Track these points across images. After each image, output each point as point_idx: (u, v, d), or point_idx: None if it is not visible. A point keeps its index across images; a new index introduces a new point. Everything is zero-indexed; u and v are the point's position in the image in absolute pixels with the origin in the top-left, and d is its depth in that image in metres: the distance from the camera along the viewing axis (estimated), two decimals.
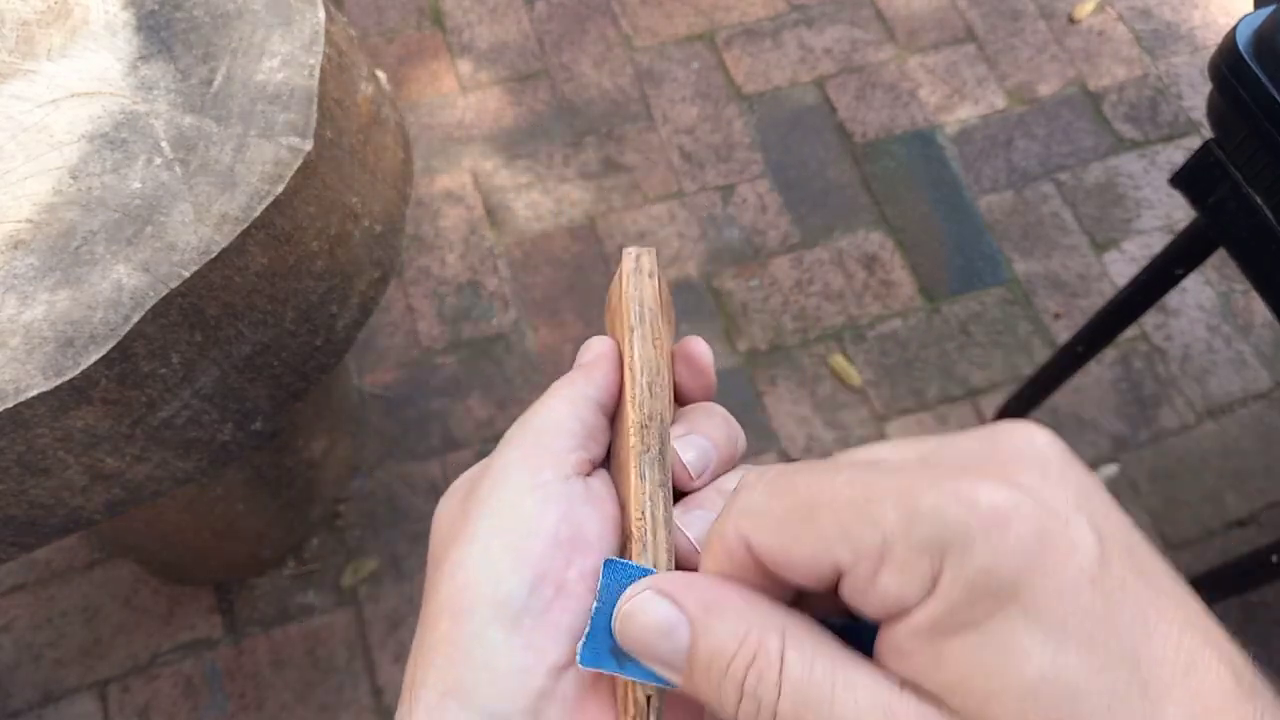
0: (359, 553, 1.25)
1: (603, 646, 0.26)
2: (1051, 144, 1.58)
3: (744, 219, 1.50)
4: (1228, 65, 0.72)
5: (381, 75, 0.82)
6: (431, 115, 1.57)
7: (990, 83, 1.63)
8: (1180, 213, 1.52)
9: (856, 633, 0.23)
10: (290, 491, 1.15)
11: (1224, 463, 1.35)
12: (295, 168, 0.64)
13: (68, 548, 1.23)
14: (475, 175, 1.52)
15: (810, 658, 0.22)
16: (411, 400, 1.35)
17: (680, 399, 0.33)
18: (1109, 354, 1.41)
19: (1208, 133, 0.81)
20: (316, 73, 0.67)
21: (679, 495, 0.30)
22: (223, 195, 0.63)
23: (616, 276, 0.33)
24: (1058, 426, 1.36)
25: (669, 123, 1.58)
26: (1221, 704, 0.20)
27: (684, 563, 0.29)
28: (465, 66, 1.62)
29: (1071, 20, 1.70)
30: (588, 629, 0.26)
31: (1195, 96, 1.63)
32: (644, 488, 0.28)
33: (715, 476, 0.31)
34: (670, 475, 0.29)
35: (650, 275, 0.32)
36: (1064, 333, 1.42)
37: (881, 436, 1.35)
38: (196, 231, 0.61)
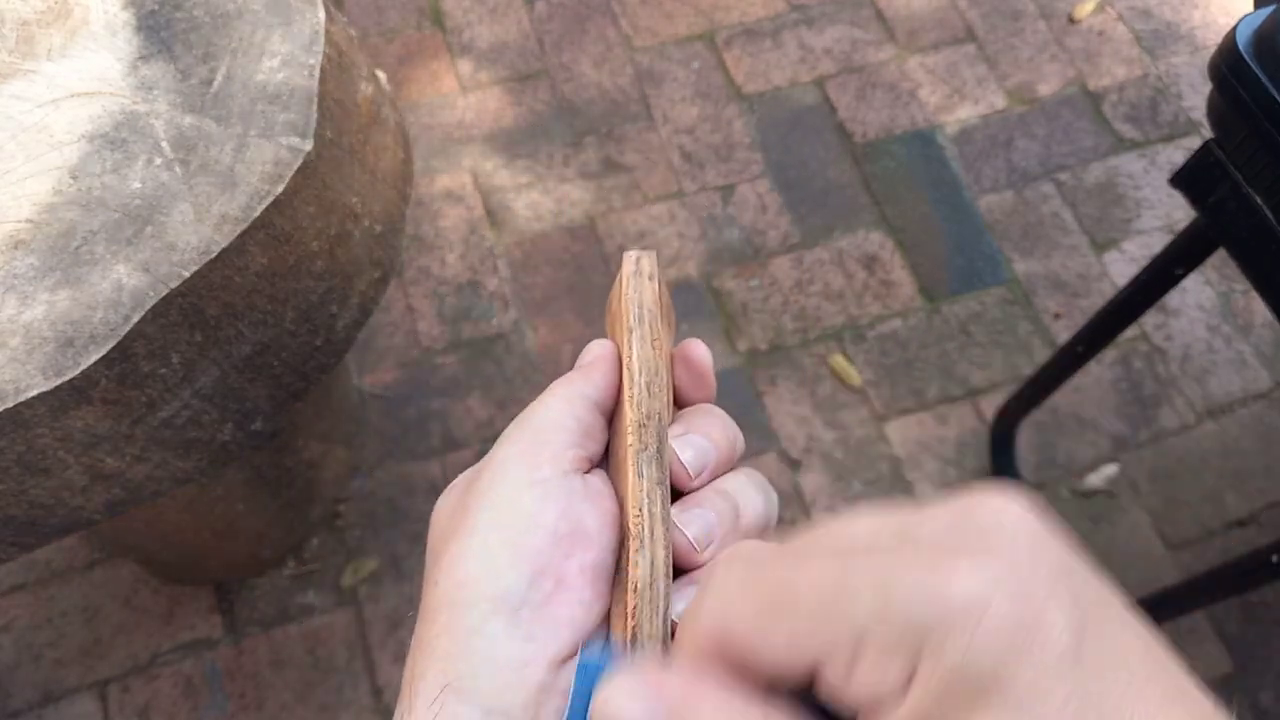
0: (359, 553, 1.25)
1: None
2: (1051, 144, 1.58)
3: (744, 219, 1.50)
4: (1228, 65, 0.72)
5: (381, 75, 0.82)
6: (431, 115, 1.57)
7: (990, 83, 1.63)
8: (1180, 213, 1.52)
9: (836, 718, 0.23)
10: (290, 491, 1.15)
11: (1224, 463, 1.35)
12: (295, 168, 0.64)
13: (68, 548, 1.23)
14: (475, 175, 1.52)
15: None
16: (411, 400, 1.35)
17: (680, 402, 0.33)
18: (1109, 354, 1.41)
19: (1208, 133, 0.81)
20: (316, 73, 0.67)
21: (677, 494, 0.30)
22: (223, 195, 0.63)
23: (617, 280, 0.33)
24: (1058, 426, 1.37)
25: (669, 123, 1.58)
26: None
27: (681, 561, 0.29)
28: (465, 66, 1.62)
29: (1071, 20, 1.70)
30: (566, 715, 0.26)
31: (1195, 96, 1.63)
32: (641, 485, 0.28)
33: (714, 476, 0.31)
34: (668, 474, 0.29)
35: (650, 278, 0.32)
36: (1064, 333, 1.42)
37: (881, 436, 1.36)
38: (196, 231, 0.61)
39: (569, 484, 0.29)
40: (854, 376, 1.39)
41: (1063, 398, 1.36)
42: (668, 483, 0.29)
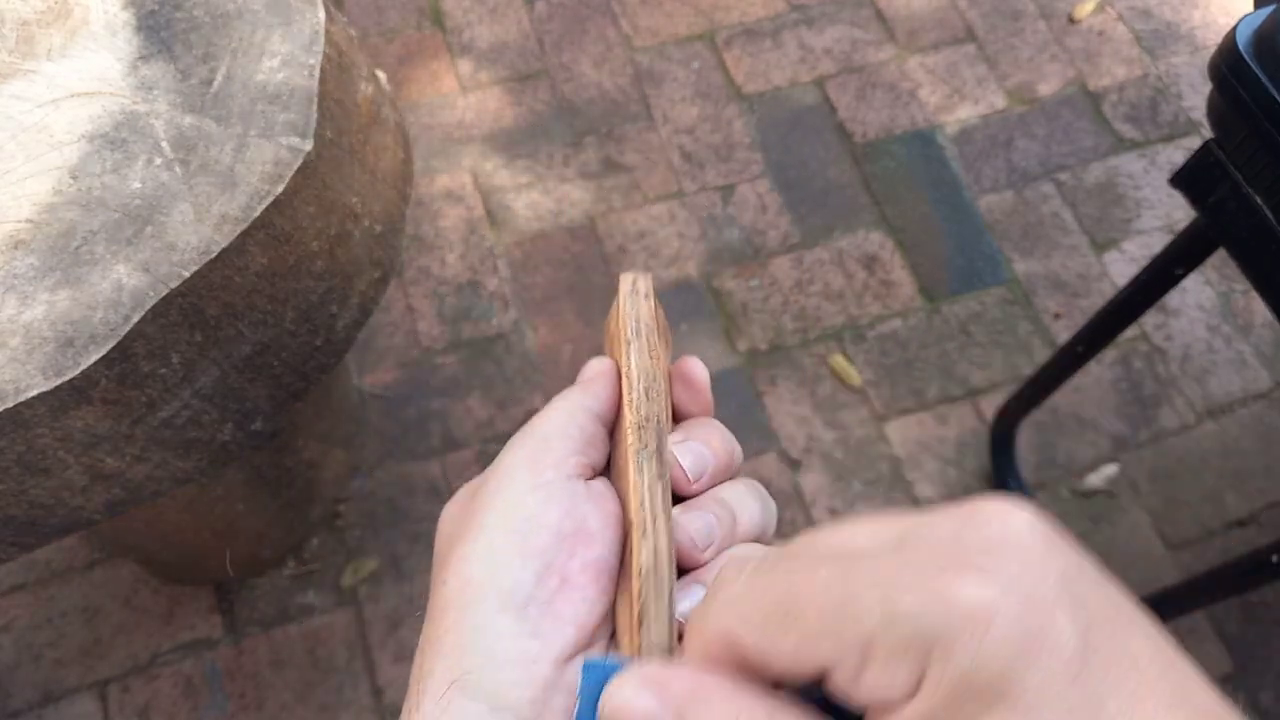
0: (359, 553, 1.25)
1: None
2: (1051, 144, 1.58)
3: (744, 219, 1.50)
4: (1228, 65, 0.72)
5: (381, 75, 0.82)
6: (431, 115, 1.57)
7: (990, 83, 1.63)
8: (1180, 213, 1.52)
9: (843, 711, 0.23)
10: (290, 491, 1.15)
11: (1224, 463, 1.35)
12: (295, 168, 0.64)
13: (68, 548, 1.23)
14: (475, 175, 1.52)
15: None
16: (411, 400, 1.35)
17: (678, 418, 0.34)
18: (1109, 354, 1.41)
19: (1208, 133, 0.81)
20: (316, 73, 0.67)
21: (677, 500, 0.30)
22: (223, 195, 0.63)
23: (615, 301, 0.35)
24: (1058, 426, 1.37)
25: (669, 123, 1.58)
26: None
27: (683, 559, 0.29)
28: (465, 66, 1.62)
29: (1071, 20, 1.70)
30: (575, 717, 0.26)
31: (1195, 96, 1.63)
32: (642, 480, 0.29)
33: (713, 483, 0.31)
34: (668, 474, 0.30)
35: (646, 297, 0.34)
36: (1064, 333, 1.42)
37: (881, 437, 1.36)
38: (196, 231, 0.61)
39: (572, 487, 0.29)
40: (854, 376, 1.39)
41: (1063, 398, 1.36)
42: (668, 481, 0.30)
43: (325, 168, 0.68)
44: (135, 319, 0.58)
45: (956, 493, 1.32)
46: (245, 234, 0.62)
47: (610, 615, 0.29)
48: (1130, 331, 1.39)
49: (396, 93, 1.57)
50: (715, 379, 0.36)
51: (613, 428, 0.33)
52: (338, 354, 0.74)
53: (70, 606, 1.21)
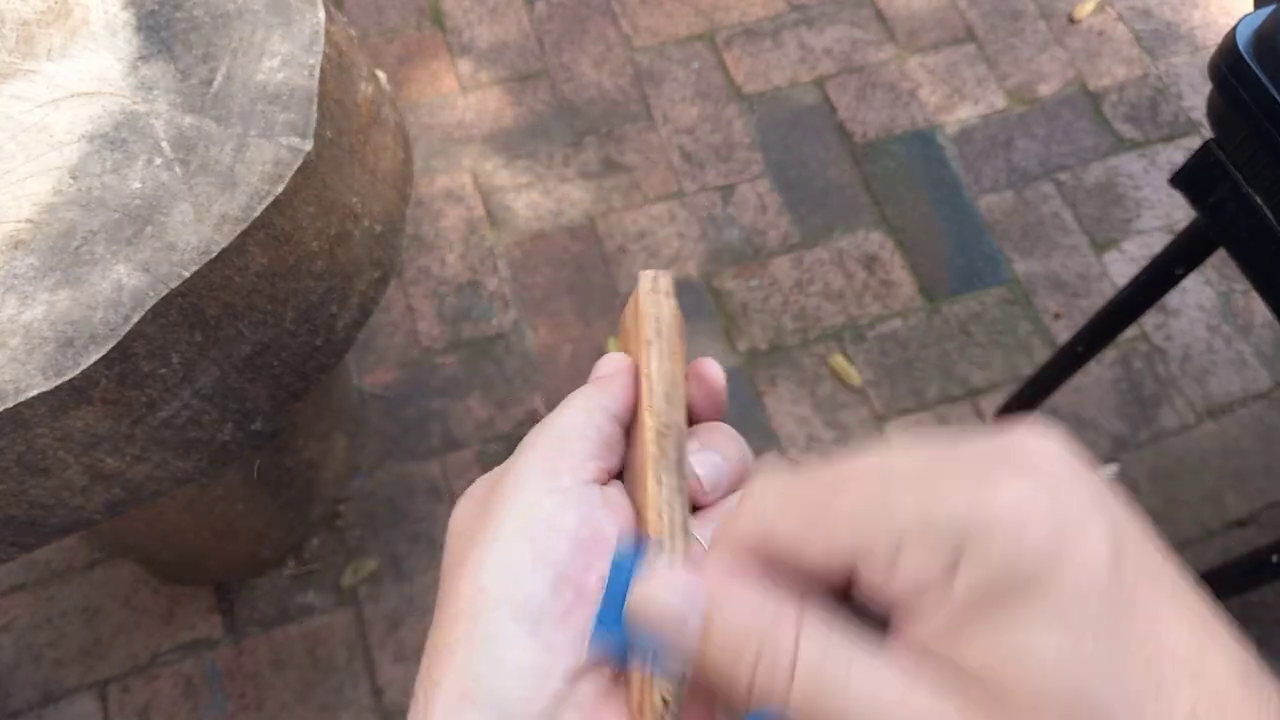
0: (359, 553, 1.25)
1: (614, 635, 0.26)
2: (1051, 144, 1.58)
3: (744, 219, 1.50)
4: (1228, 65, 0.72)
5: (381, 75, 0.82)
6: (431, 115, 1.57)
7: (990, 83, 1.63)
8: (1180, 213, 1.52)
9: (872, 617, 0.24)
10: (290, 491, 1.15)
11: (1224, 463, 1.35)
12: (295, 168, 0.64)
13: (68, 548, 1.23)
14: (475, 175, 1.52)
15: (824, 643, 0.22)
16: (411, 400, 1.35)
17: (691, 419, 0.34)
18: (1109, 354, 1.41)
19: (1208, 133, 0.81)
20: (316, 73, 0.67)
21: (692, 509, 0.30)
22: (223, 195, 0.63)
23: (632, 297, 0.33)
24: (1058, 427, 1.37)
25: (669, 123, 1.58)
26: (1231, 702, 0.20)
27: None
28: (465, 66, 1.62)
29: (1071, 20, 1.70)
30: (598, 615, 0.26)
31: (1195, 96, 1.63)
32: (662, 493, 0.28)
33: (728, 493, 0.31)
34: (687, 484, 0.29)
35: (667, 295, 0.32)
36: (1064, 333, 1.42)
37: (881, 437, 1.35)
38: (196, 231, 0.61)
39: (589, 493, 0.28)
40: (854, 376, 1.39)
41: (1063, 398, 1.36)
42: (687, 492, 0.29)
43: (325, 168, 0.68)
44: (135, 319, 0.58)
45: None
46: (245, 234, 0.62)
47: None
48: (1130, 331, 1.39)
49: (396, 93, 1.57)
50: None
51: (628, 428, 0.32)
52: (338, 354, 0.74)
53: (70, 606, 1.21)
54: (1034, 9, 1.70)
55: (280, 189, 0.63)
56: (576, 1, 1.68)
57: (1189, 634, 0.21)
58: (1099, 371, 1.40)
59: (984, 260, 1.49)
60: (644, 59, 1.63)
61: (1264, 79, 0.70)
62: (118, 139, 0.64)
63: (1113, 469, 1.34)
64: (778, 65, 1.64)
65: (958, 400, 1.38)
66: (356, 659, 1.19)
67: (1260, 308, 1.45)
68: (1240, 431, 1.37)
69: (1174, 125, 1.60)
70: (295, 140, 0.65)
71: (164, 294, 0.59)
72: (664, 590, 0.24)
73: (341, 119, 0.71)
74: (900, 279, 1.47)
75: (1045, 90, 1.63)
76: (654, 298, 0.32)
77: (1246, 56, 0.71)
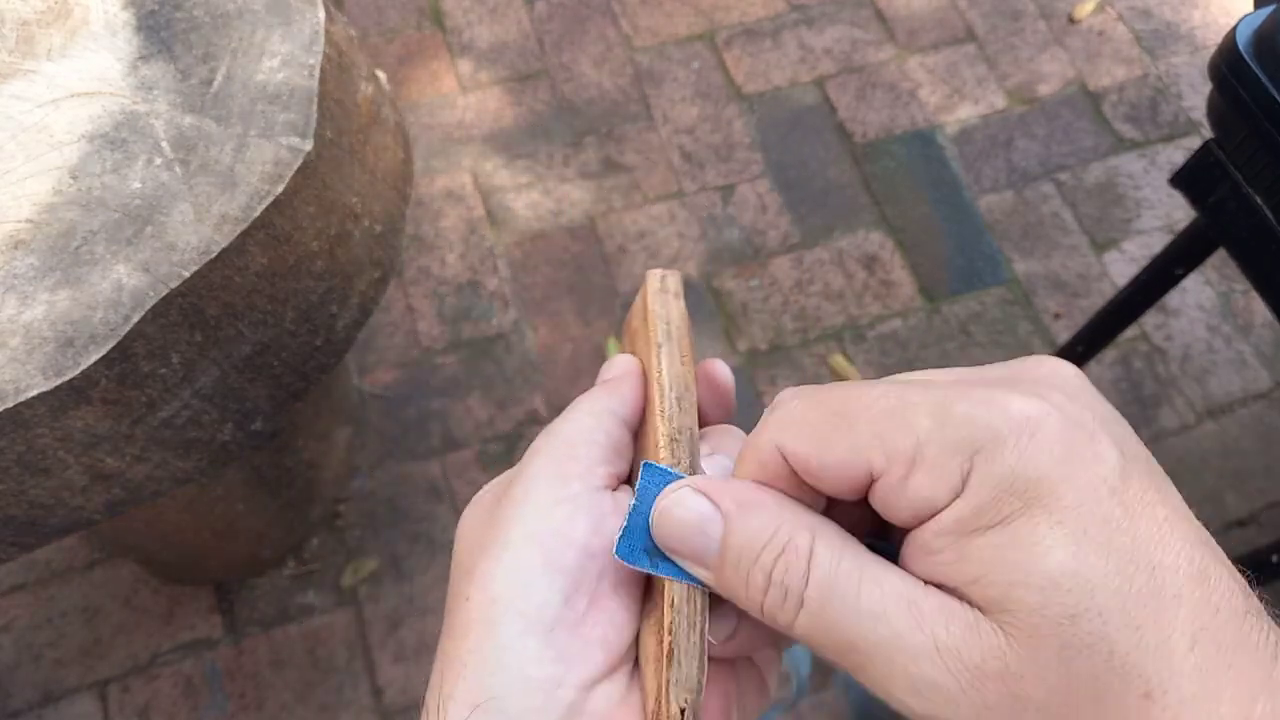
0: (359, 553, 1.25)
1: (638, 545, 0.27)
2: (1051, 144, 1.58)
3: (744, 219, 1.50)
4: (1228, 65, 0.72)
5: (381, 75, 0.82)
6: (431, 115, 1.57)
7: (990, 83, 1.63)
8: (1180, 213, 1.52)
9: (882, 554, 0.24)
10: (290, 491, 1.15)
11: (1224, 463, 1.35)
12: (295, 168, 0.64)
13: (68, 548, 1.23)
14: (475, 175, 1.52)
15: (838, 553, 0.23)
16: (411, 400, 1.35)
17: (699, 420, 0.33)
18: (1109, 354, 1.41)
19: (1208, 133, 0.81)
20: (316, 73, 0.67)
21: None
22: (223, 195, 0.63)
23: (640, 296, 0.33)
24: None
25: (669, 123, 1.58)
26: (1229, 614, 0.21)
27: None
28: (465, 66, 1.62)
29: (1071, 20, 1.70)
30: (624, 525, 0.27)
31: (1195, 96, 1.63)
32: None
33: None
34: None
35: (676, 295, 0.32)
36: (1064, 333, 1.42)
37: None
38: (196, 231, 0.61)
39: (599, 500, 0.28)
40: (854, 376, 1.39)
41: None
42: None
43: (325, 168, 0.68)
44: (135, 319, 0.58)
45: None
46: (245, 234, 0.62)
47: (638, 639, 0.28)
48: (1130, 331, 1.39)
49: (396, 93, 1.57)
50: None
51: (637, 432, 0.31)
52: (338, 354, 0.74)
53: (70, 606, 1.21)
54: (1034, 9, 1.70)
55: (280, 189, 0.63)
56: (576, 1, 1.68)
57: (1190, 548, 0.21)
58: (1099, 371, 1.40)
59: (984, 260, 1.49)
60: (644, 59, 1.63)
61: (1264, 79, 0.70)
62: (118, 139, 0.64)
63: None
64: (778, 65, 1.64)
65: None
66: (356, 659, 1.19)
67: (1260, 308, 1.45)
68: (1240, 431, 1.37)
69: (1174, 125, 1.60)
70: (295, 140, 0.65)
71: (164, 294, 0.59)
72: (688, 498, 0.25)
73: (341, 119, 0.71)
74: (900, 279, 1.47)
75: (1045, 90, 1.63)
76: (662, 298, 0.32)
77: (1246, 56, 0.71)
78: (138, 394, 0.61)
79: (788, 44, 1.66)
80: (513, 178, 1.53)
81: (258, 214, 0.62)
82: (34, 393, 0.56)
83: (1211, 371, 1.41)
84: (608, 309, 1.43)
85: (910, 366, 1.40)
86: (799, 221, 1.51)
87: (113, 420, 0.61)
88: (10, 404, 0.56)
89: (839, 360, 1.40)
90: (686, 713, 0.25)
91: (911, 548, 0.23)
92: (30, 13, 0.68)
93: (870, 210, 1.52)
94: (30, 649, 1.18)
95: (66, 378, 0.57)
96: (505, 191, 1.51)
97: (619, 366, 0.32)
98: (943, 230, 1.51)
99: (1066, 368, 0.24)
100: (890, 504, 0.23)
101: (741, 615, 0.26)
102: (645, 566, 0.26)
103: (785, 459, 0.24)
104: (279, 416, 0.72)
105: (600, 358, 1.38)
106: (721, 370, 0.32)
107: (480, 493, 0.30)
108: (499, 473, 0.31)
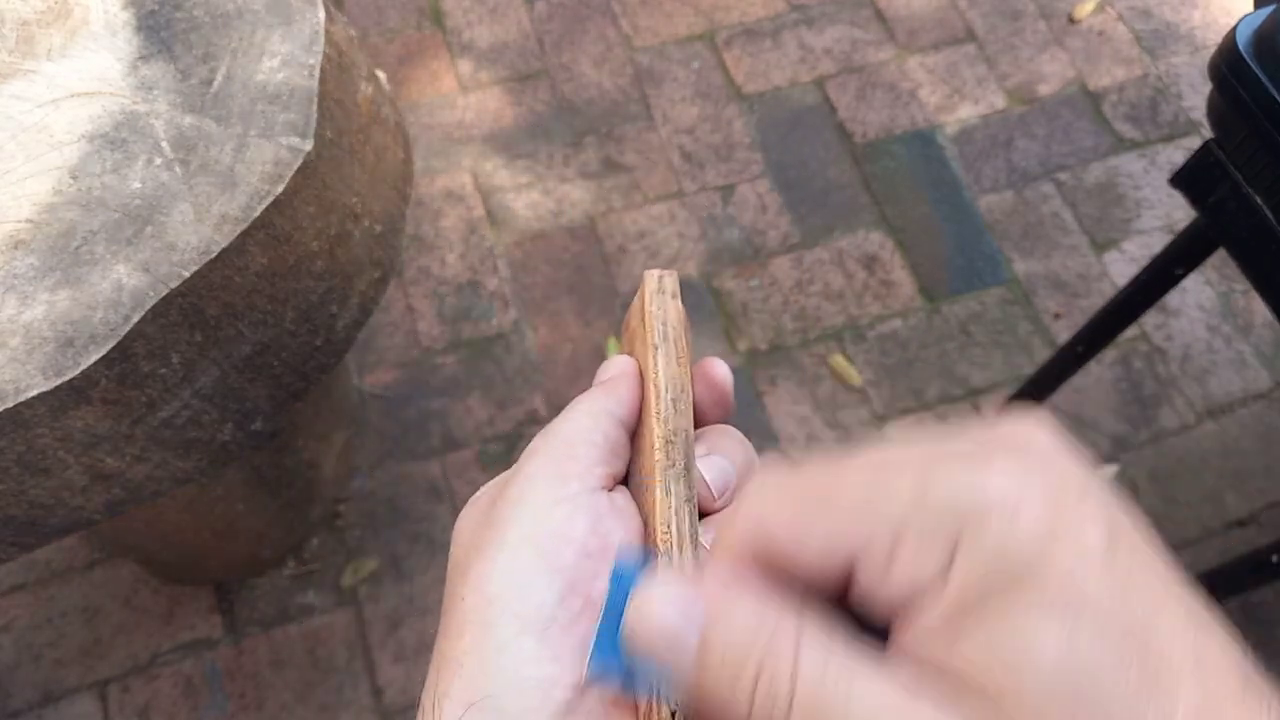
0: (359, 553, 1.25)
1: (611, 657, 0.25)
2: (1051, 144, 1.58)
3: (744, 219, 1.50)
4: (1228, 65, 0.72)
5: (381, 75, 0.82)
6: (431, 115, 1.57)
7: (990, 83, 1.63)
8: (1180, 213, 1.52)
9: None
10: (290, 491, 1.15)
11: (1224, 463, 1.35)
12: (295, 168, 0.64)
13: (68, 548, 1.23)
14: (475, 175, 1.52)
15: (824, 658, 0.22)
16: (411, 400, 1.35)
17: (697, 421, 0.33)
18: (1109, 354, 1.41)
19: (1208, 133, 0.81)
20: (316, 73, 0.67)
21: (700, 515, 0.30)
22: (223, 195, 0.63)
23: (638, 297, 0.33)
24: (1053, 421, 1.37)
25: (669, 123, 1.58)
26: (1230, 697, 0.20)
27: None
28: (465, 66, 1.62)
29: (1071, 20, 1.70)
30: (595, 639, 0.26)
31: (1195, 96, 1.63)
32: (670, 503, 0.28)
33: (734, 499, 0.30)
34: (695, 492, 0.29)
35: (673, 296, 0.32)
36: (1064, 333, 1.42)
37: (881, 437, 1.35)
38: (196, 231, 0.61)
39: (596, 500, 0.28)
40: (854, 376, 1.39)
41: (1063, 398, 1.36)
42: (695, 501, 0.29)
43: (325, 168, 0.68)
44: (135, 319, 0.58)
45: None
46: (245, 234, 0.62)
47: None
48: (1130, 331, 1.39)
49: (396, 93, 1.57)
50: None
51: (634, 432, 0.31)
52: (338, 354, 0.74)
53: (70, 606, 1.21)
54: (1034, 9, 1.70)
55: (280, 189, 0.63)
56: (576, 1, 1.68)
57: (1184, 626, 0.20)
58: (1099, 371, 1.40)
59: (984, 260, 1.49)
60: (644, 59, 1.63)
61: (1264, 79, 0.70)
62: (118, 139, 0.64)
63: (1113, 469, 1.34)
64: (778, 65, 1.64)
65: (958, 400, 1.38)
66: (356, 659, 1.19)
67: (1260, 308, 1.45)
68: (1240, 431, 1.37)
69: (1174, 125, 1.60)
70: (295, 140, 0.65)
71: (164, 294, 0.59)
72: (660, 607, 0.23)
73: (341, 119, 0.71)
74: (900, 279, 1.47)
75: (1045, 90, 1.63)
76: (660, 299, 0.32)
77: (1246, 56, 0.71)
78: (138, 394, 0.61)
79: (788, 44, 1.66)
80: (513, 178, 1.53)
81: (258, 214, 0.62)
82: (34, 393, 0.56)
83: (1211, 371, 1.41)
84: (608, 309, 1.43)
85: (910, 366, 1.40)
86: (799, 221, 1.51)
87: (113, 420, 0.61)
88: (10, 404, 0.56)
89: (839, 360, 1.40)
90: (677, 715, 0.25)
91: (899, 642, 0.22)
92: (30, 13, 0.68)
93: (870, 210, 1.52)
94: (30, 649, 1.18)
95: (66, 378, 0.57)
96: (505, 191, 1.51)
97: (616, 367, 0.32)
98: (943, 230, 1.51)
99: (1042, 434, 0.23)
100: (872, 594, 0.22)
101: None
102: (618, 681, 0.25)
103: (763, 547, 0.23)
104: (279, 416, 0.72)
105: (600, 358, 1.38)
106: (720, 369, 0.32)
107: (477, 494, 0.30)
108: (499, 473, 0.31)
